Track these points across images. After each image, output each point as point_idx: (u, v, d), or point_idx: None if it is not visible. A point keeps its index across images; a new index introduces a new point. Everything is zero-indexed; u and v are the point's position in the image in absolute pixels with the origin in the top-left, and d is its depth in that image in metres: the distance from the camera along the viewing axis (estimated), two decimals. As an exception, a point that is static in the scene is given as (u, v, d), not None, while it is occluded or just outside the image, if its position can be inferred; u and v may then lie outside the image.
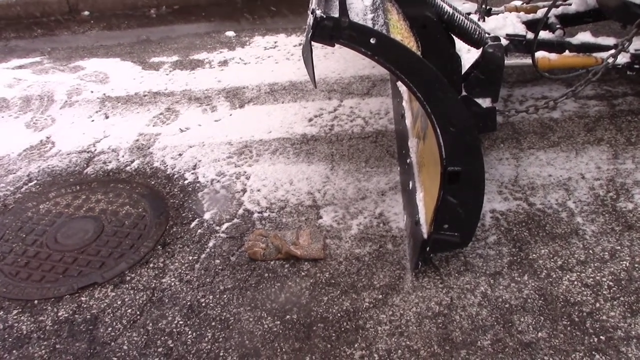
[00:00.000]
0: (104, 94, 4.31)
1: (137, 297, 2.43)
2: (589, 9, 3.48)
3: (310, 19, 1.83)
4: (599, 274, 2.33)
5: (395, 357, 2.06)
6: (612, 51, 2.98)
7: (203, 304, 2.36)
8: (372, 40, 1.81)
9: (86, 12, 6.23)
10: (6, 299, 2.50)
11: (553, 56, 3.19)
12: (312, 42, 1.83)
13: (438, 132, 1.96)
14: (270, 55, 4.74)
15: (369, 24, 1.96)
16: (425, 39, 2.28)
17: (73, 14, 6.22)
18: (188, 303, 2.37)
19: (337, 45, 1.84)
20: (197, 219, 2.86)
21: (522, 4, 3.76)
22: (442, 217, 2.14)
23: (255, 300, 2.36)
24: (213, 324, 2.27)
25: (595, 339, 2.06)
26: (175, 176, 3.23)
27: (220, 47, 5.04)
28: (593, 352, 2.01)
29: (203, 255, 2.62)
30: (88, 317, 2.36)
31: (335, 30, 1.78)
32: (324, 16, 1.76)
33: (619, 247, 2.45)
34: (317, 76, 4.15)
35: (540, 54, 3.17)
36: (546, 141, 3.19)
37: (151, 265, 2.61)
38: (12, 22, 6.16)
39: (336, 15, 1.76)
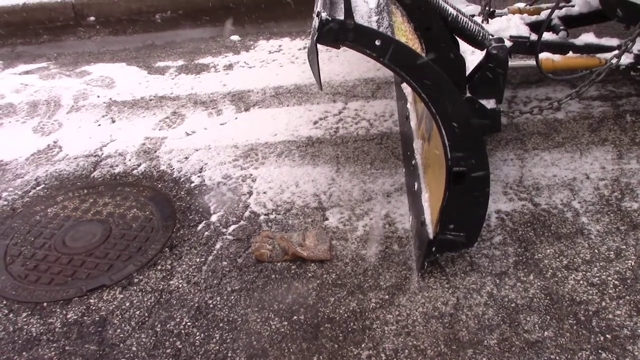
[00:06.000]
0: (110, 99, 4.34)
1: (145, 299, 2.45)
2: (592, 10, 3.49)
3: (315, 22, 1.85)
4: (604, 273, 2.34)
5: (402, 356, 2.07)
6: (616, 52, 2.99)
7: (211, 306, 2.38)
8: (377, 42, 1.83)
9: (92, 18, 6.27)
10: (15, 301, 2.52)
11: (557, 57, 3.20)
12: (318, 45, 1.85)
13: (443, 133, 1.98)
14: (275, 58, 4.77)
15: (374, 26, 1.98)
16: (429, 40, 2.30)
17: (79, 19, 6.26)
18: (196, 304, 2.39)
19: (342, 48, 1.86)
20: (204, 222, 2.88)
21: (526, 5, 3.77)
22: (447, 217, 2.15)
23: (263, 302, 2.37)
24: (221, 325, 2.28)
25: (602, 338, 2.07)
26: (182, 179, 3.26)
27: (225, 51, 5.07)
28: (599, 351, 2.02)
29: (210, 257, 2.64)
30: (97, 319, 2.38)
31: (341, 33, 1.80)
32: (330, 18, 1.78)
33: (624, 247, 2.46)
34: (322, 79, 4.17)
35: (544, 55, 3.18)
36: (550, 142, 3.20)
37: (159, 267, 2.63)
38: (19, 27, 6.20)
39: (341, 17, 1.78)
